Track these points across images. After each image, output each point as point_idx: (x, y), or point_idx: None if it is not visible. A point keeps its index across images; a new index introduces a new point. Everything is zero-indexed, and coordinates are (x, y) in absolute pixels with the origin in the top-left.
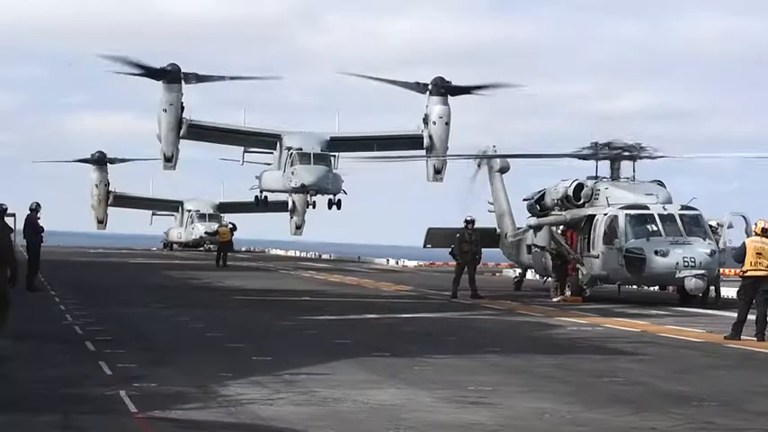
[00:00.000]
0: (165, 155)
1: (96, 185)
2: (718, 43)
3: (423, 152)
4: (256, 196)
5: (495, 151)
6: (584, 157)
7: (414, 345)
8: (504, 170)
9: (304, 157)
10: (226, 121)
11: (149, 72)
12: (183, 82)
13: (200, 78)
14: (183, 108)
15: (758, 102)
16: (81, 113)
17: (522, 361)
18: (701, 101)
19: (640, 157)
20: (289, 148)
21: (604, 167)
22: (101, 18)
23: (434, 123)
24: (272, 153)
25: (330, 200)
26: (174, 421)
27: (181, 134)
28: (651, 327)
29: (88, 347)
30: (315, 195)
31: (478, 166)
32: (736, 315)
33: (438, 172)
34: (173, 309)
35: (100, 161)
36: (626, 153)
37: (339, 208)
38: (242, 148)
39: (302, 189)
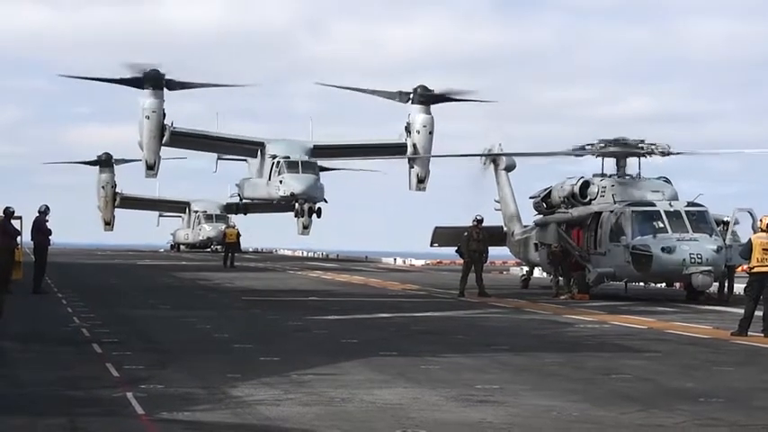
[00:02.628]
0: (147, 163)
1: (103, 187)
2: (721, 47)
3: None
4: (236, 204)
5: (502, 150)
6: (587, 154)
7: (421, 344)
8: (510, 168)
9: (292, 166)
10: (226, 130)
11: (131, 80)
12: (165, 89)
13: (182, 85)
14: (164, 115)
15: (762, 104)
16: (85, 124)
17: (529, 359)
18: (705, 104)
19: (646, 154)
20: (273, 156)
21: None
22: (105, 30)
23: (418, 132)
24: (246, 161)
25: (310, 208)
26: (182, 423)
27: (163, 141)
28: (658, 324)
29: (95, 349)
30: (303, 204)
31: (485, 164)
32: (742, 311)
33: (421, 181)
34: (180, 310)
35: (106, 162)
36: (632, 150)
37: (319, 216)
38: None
39: (291, 198)
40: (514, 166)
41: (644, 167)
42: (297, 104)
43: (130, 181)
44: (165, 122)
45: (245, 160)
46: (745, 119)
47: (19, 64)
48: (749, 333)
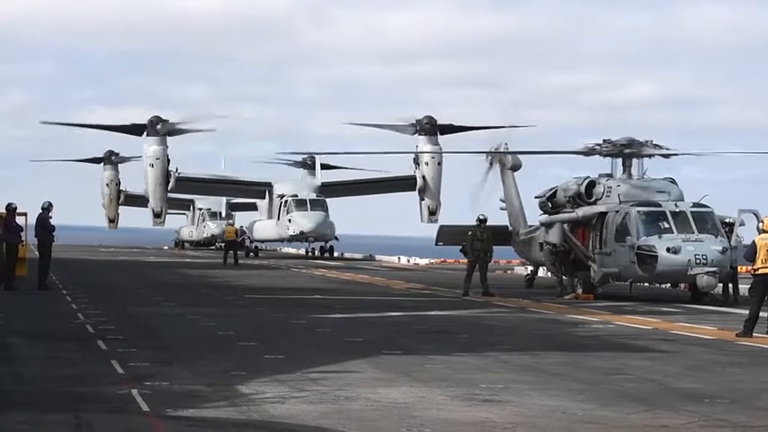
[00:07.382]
0: (153, 210)
1: (107, 185)
2: (725, 32)
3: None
4: (247, 246)
5: (507, 149)
6: (594, 154)
7: (425, 343)
8: (515, 168)
9: (300, 204)
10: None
11: (132, 128)
12: (167, 135)
13: (183, 131)
14: (169, 161)
15: (765, 89)
16: (91, 109)
17: (533, 358)
18: (709, 89)
19: (652, 155)
20: (281, 196)
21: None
22: (108, 14)
23: (426, 164)
24: (255, 204)
25: (322, 247)
26: (187, 420)
27: (169, 188)
28: (663, 324)
29: (100, 346)
30: (313, 242)
31: (490, 164)
32: (747, 312)
33: (432, 213)
34: (184, 307)
35: (110, 160)
36: (638, 150)
37: (331, 255)
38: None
39: (301, 236)
40: (520, 166)
41: (649, 165)
42: (299, 91)
43: (134, 178)
44: (170, 168)
45: (254, 204)
46: (750, 104)
47: (23, 48)
48: (754, 334)
